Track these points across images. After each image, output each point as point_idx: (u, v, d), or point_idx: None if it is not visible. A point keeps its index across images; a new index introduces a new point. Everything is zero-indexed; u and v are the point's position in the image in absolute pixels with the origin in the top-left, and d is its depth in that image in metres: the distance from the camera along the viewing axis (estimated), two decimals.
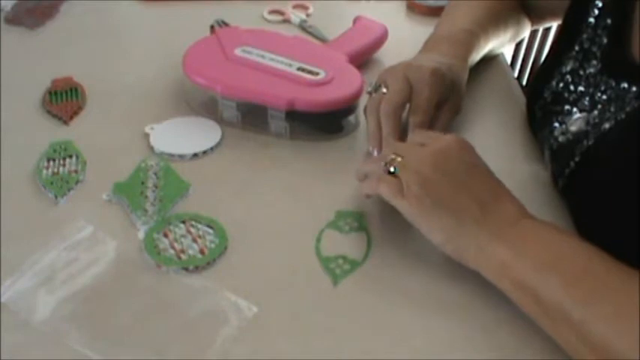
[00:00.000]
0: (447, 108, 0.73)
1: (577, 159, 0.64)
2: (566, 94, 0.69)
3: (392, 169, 0.59)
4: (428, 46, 0.80)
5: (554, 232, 0.56)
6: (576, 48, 0.69)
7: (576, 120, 0.66)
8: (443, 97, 0.72)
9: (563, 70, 0.70)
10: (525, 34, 0.91)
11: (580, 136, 0.65)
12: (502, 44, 0.88)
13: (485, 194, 0.58)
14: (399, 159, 0.60)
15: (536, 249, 0.55)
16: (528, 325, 0.56)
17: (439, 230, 0.57)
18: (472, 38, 0.79)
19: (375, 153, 0.70)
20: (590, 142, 0.63)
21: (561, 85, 0.70)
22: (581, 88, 0.67)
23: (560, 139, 0.68)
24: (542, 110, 0.72)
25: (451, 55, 0.76)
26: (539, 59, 1.30)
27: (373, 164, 0.63)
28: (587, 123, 0.65)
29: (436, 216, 0.57)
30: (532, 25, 0.89)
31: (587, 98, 0.66)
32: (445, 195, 0.57)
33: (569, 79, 0.69)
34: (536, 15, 0.87)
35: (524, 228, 0.56)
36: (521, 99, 0.84)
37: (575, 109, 0.67)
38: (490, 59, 0.91)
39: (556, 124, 0.69)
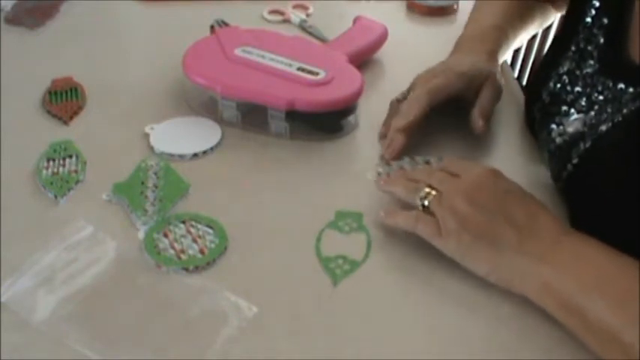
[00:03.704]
0: (486, 90, 0.74)
1: (575, 161, 0.64)
2: (563, 95, 0.69)
3: (426, 203, 0.60)
4: (459, 46, 0.81)
5: (595, 249, 0.56)
6: (573, 48, 0.69)
7: (573, 121, 0.66)
8: (467, 93, 0.74)
9: (560, 71, 0.70)
10: (550, 21, 0.91)
11: (577, 137, 0.65)
12: (529, 35, 0.89)
13: (521, 218, 0.57)
14: (433, 192, 0.60)
15: (578, 268, 0.54)
16: (529, 324, 0.56)
17: (481, 263, 0.58)
18: (501, 34, 0.81)
19: (384, 153, 0.71)
20: (587, 145, 0.63)
21: (558, 85, 0.70)
22: (578, 89, 0.67)
23: (558, 140, 0.68)
24: (541, 112, 0.72)
25: (481, 51, 0.78)
26: (540, 59, 1.30)
27: (402, 189, 0.63)
28: (584, 124, 0.65)
29: (475, 250, 0.57)
30: (556, 12, 0.89)
31: (584, 99, 0.66)
32: (482, 228, 0.57)
33: (566, 80, 0.69)
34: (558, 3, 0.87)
35: (564, 246, 0.56)
36: (522, 99, 0.84)
37: (572, 110, 0.67)
38: None
39: (553, 126, 0.69)
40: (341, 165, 0.73)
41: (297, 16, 0.97)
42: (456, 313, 0.57)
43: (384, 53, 0.89)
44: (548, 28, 1.27)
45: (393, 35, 0.89)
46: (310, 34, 0.94)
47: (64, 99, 0.79)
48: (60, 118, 0.77)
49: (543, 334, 0.55)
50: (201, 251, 0.61)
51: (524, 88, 0.84)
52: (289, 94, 0.72)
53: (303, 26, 0.95)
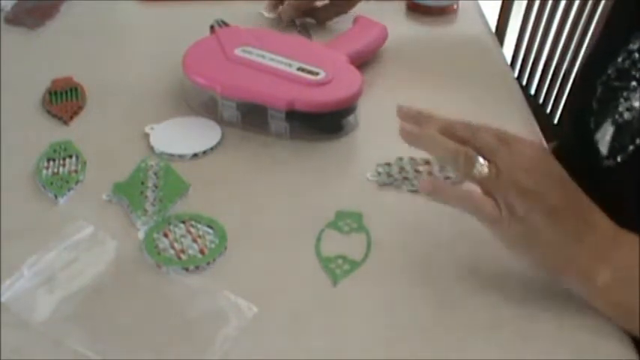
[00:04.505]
0: None
1: None
2: (632, 72, 0.68)
3: (479, 177, 0.54)
4: None
5: None
6: None
7: None
8: None
9: (631, 48, 0.69)
10: None
11: None
12: None
13: (579, 208, 0.54)
14: (487, 165, 0.54)
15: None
16: (528, 325, 0.56)
17: (538, 252, 0.55)
18: None
19: None
20: None
21: (627, 62, 0.69)
22: None
23: (626, 115, 0.67)
24: (605, 85, 0.71)
25: None
26: (540, 59, 1.30)
27: (443, 151, 0.55)
28: None
29: (535, 238, 0.54)
30: None
31: None
32: (544, 215, 0.53)
33: (637, 57, 0.68)
34: None
35: (622, 245, 0.54)
36: (521, 99, 0.84)
37: None
38: (490, 59, 0.91)
39: (621, 100, 0.68)
40: (341, 165, 0.73)
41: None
42: (455, 313, 0.57)
43: (384, 53, 0.89)
44: (548, 29, 1.27)
45: (393, 35, 0.89)
46: (306, 32, 0.94)
47: (64, 99, 0.79)
48: (60, 118, 0.77)
49: (542, 336, 0.55)
50: (201, 251, 0.61)
51: (583, 62, 0.81)
52: (289, 94, 0.72)
53: (300, 26, 0.95)
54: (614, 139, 0.68)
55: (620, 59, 0.70)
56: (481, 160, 0.54)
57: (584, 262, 0.54)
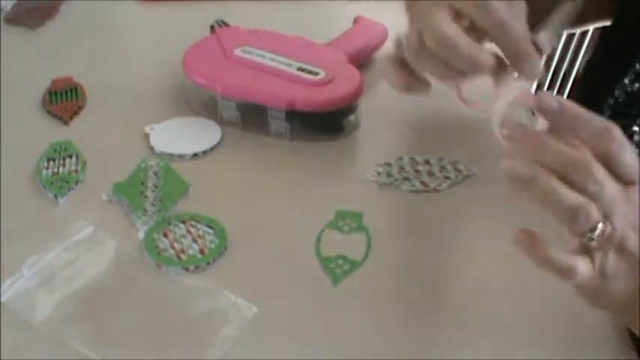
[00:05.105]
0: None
1: None
2: None
3: (594, 243, 0.44)
4: None
5: None
6: None
7: None
8: None
9: (638, 69, 0.66)
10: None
11: None
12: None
13: None
14: (601, 224, 0.44)
15: None
16: (528, 325, 0.56)
17: (613, 302, 0.48)
18: None
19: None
20: None
21: (637, 85, 0.67)
22: None
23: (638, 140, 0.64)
24: (613, 109, 0.69)
25: None
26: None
27: (555, 202, 0.43)
28: None
29: (611, 294, 0.46)
30: None
31: None
32: (627, 273, 0.46)
33: None
34: None
35: None
36: None
37: None
38: None
39: (635, 128, 0.65)
40: (341, 165, 0.73)
41: None
42: (455, 313, 0.57)
43: (384, 53, 0.89)
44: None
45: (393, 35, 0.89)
46: None
47: (64, 99, 0.79)
48: (60, 118, 0.77)
49: (541, 336, 0.55)
50: (201, 251, 0.61)
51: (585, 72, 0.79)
52: (289, 94, 0.72)
53: None
54: None
55: (627, 80, 0.68)
56: (601, 224, 0.44)
57: None
